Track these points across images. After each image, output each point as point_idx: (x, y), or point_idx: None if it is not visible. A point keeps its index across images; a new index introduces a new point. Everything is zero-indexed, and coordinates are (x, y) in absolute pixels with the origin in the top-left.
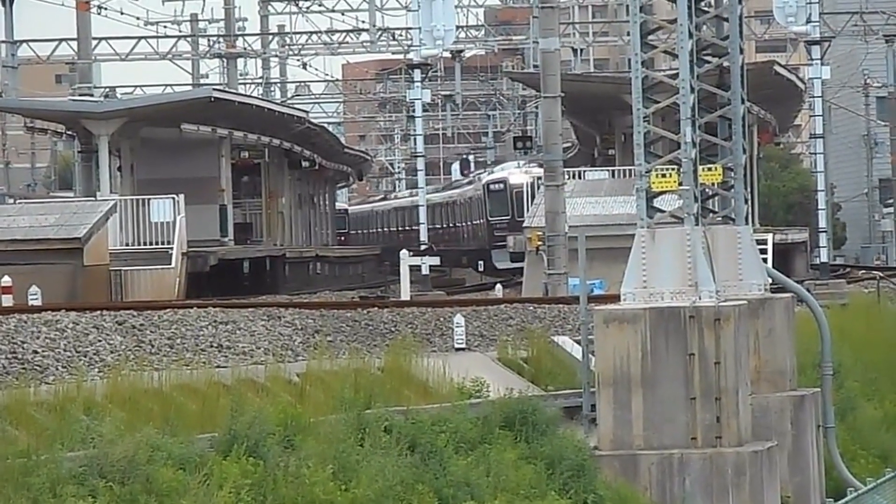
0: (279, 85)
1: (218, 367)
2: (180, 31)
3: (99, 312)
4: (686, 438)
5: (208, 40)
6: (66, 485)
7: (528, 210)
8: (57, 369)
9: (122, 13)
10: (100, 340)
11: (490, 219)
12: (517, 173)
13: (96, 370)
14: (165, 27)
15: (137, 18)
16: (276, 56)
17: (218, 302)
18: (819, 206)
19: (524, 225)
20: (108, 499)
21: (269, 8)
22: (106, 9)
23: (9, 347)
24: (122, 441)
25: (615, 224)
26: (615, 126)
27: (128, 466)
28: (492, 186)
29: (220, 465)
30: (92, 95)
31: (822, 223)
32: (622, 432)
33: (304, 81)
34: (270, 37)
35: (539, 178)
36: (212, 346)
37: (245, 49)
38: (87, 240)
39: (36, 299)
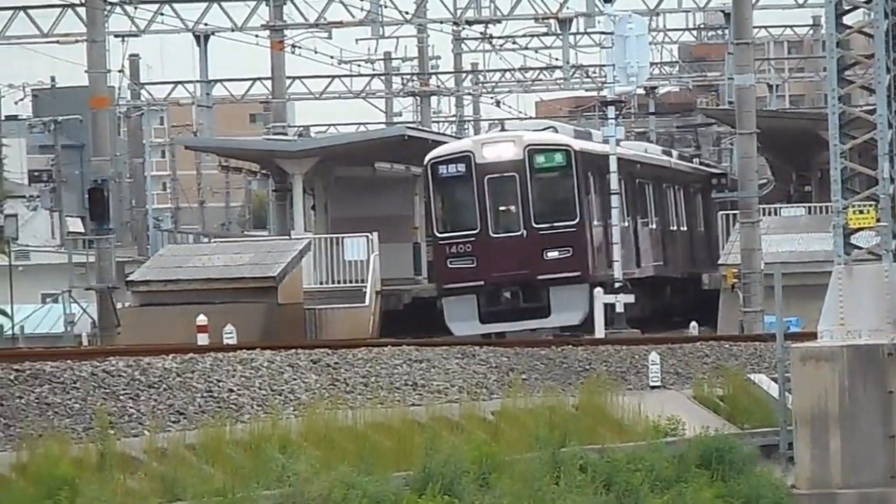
0: (472, 123)
1: (412, 405)
2: (374, 70)
3: (294, 351)
4: (885, 477)
5: (402, 78)
6: None
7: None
8: (252, 408)
9: (315, 52)
10: (295, 379)
11: None
12: None
13: (291, 408)
14: (359, 66)
15: (331, 57)
16: (470, 94)
17: (412, 340)
18: None
19: (719, 262)
20: None
21: (463, 46)
22: (300, 48)
23: (204, 386)
24: (317, 479)
25: (812, 261)
26: (811, 162)
27: None
28: None
29: (415, 503)
30: (286, 134)
31: None
32: (820, 471)
33: (498, 119)
34: (464, 75)
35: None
36: (406, 385)
37: (438, 87)
38: (281, 278)
39: (231, 338)
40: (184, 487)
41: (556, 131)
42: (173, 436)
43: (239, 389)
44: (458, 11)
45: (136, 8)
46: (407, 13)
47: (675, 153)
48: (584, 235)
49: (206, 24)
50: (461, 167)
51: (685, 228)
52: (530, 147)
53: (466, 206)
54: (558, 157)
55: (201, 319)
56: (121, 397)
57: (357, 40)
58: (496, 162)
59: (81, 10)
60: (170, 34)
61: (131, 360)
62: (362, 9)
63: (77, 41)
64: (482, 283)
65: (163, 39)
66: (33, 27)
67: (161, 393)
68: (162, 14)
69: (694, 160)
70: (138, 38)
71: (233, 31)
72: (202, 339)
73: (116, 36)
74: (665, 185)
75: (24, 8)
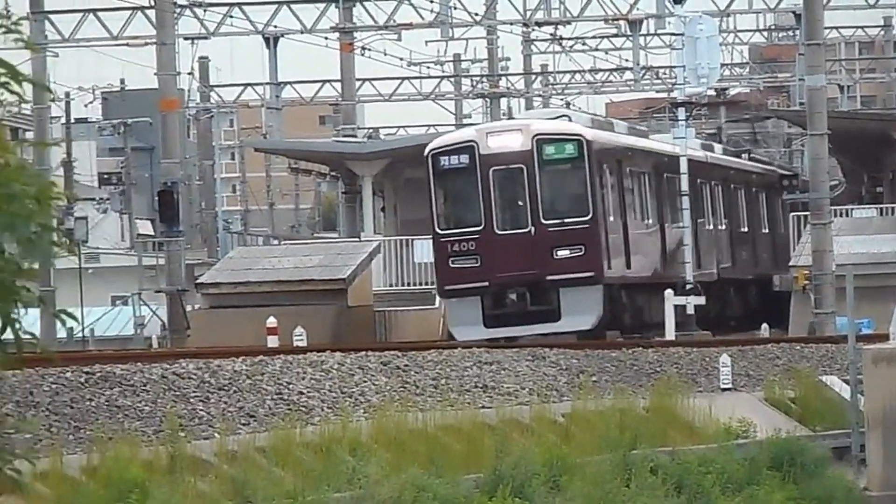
0: None
1: (482, 407)
2: (443, 72)
3: (364, 353)
4: None
5: (471, 80)
6: None
7: None
8: (322, 410)
9: (385, 54)
10: (365, 381)
11: None
12: None
13: (361, 410)
14: (429, 67)
15: (401, 59)
16: (540, 95)
17: (482, 342)
18: None
19: (790, 264)
20: None
21: (533, 47)
22: (369, 49)
23: (275, 388)
24: (387, 481)
25: (883, 262)
26: (883, 163)
27: None
28: None
29: None
30: (355, 136)
31: None
32: (892, 472)
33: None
34: (533, 76)
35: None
36: (476, 387)
37: (508, 89)
38: (351, 280)
39: (301, 340)
40: (254, 490)
41: (570, 119)
42: (243, 438)
43: (309, 392)
44: (528, 13)
45: (205, 10)
46: (476, 15)
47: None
48: (597, 232)
49: (275, 27)
50: (464, 158)
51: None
52: (539, 136)
53: (469, 201)
54: (569, 148)
55: (271, 321)
56: (191, 400)
57: (426, 42)
58: (502, 153)
59: (151, 13)
60: (239, 36)
61: (201, 363)
62: (432, 11)
63: (147, 44)
64: (486, 283)
65: (232, 42)
66: (103, 30)
67: (231, 395)
68: (231, 16)
69: (742, 157)
70: (208, 40)
71: (302, 33)
72: (272, 342)
73: (186, 38)
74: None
75: (94, 10)
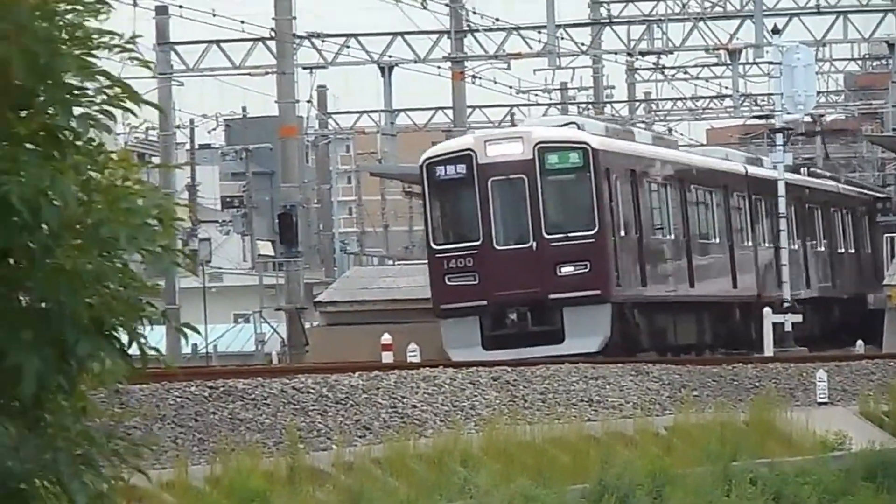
0: None
1: (588, 420)
2: (550, 99)
3: (474, 369)
4: None
5: (578, 107)
6: None
7: None
8: (435, 423)
9: (495, 82)
10: (475, 395)
11: None
12: None
13: (472, 423)
14: (537, 95)
15: (510, 87)
16: (643, 122)
17: (588, 358)
18: None
19: (885, 283)
20: None
21: (636, 76)
22: (480, 78)
23: (389, 402)
24: (497, 492)
25: None
26: None
27: None
28: None
29: None
30: None
31: None
32: None
33: None
34: (637, 103)
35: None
36: (582, 401)
37: (613, 115)
38: None
39: (415, 356)
40: (369, 500)
41: (579, 127)
42: (359, 450)
43: (422, 405)
44: (632, 43)
45: (323, 41)
46: (583, 45)
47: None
48: (604, 247)
49: (390, 56)
50: (461, 168)
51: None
52: (541, 145)
53: (467, 214)
54: (574, 157)
55: (386, 338)
56: (309, 413)
57: (535, 71)
58: (502, 162)
59: (272, 44)
60: (355, 66)
61: (319, 378)
62: (539, 41)
63: (267, 73)
64: (485, 302)
65: (349, 71)
66: (226, 60)
67: (348, 409)
68: (348, 47)
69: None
70: (325, 69)
71: (416, 62)
72: (387, 358)
73: (305, 68)
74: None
75: (218, 42)
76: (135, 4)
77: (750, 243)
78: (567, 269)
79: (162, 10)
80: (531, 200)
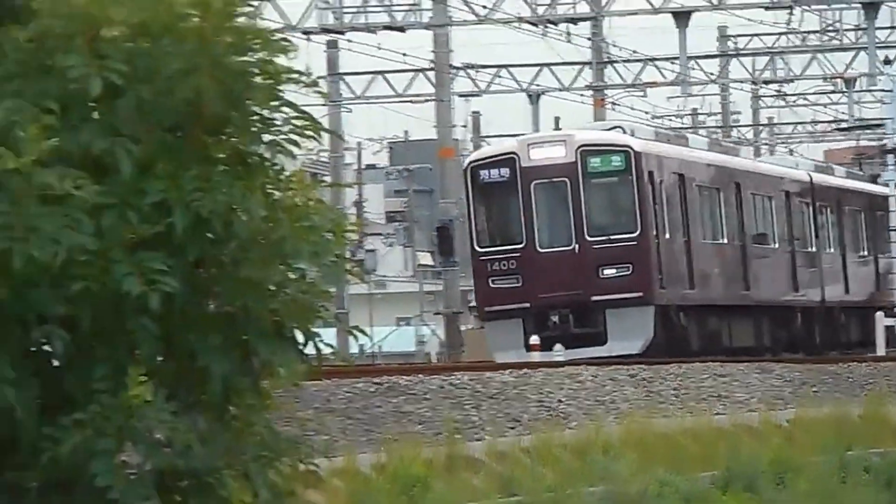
0: None
1: (717, 414)
2: (682, 123)
3: (614, 367)
4: None
5: (707, 131)
6: None
7: None
8: (578, 416)
9: (632, 108)
10: (615, 391)
11: None
12: None
13: (612, 417)
14: (670, 120)
15: (645, 113)
16: (766, 144)
17: (717, 357)
18: None
19: None
20: None
21: (760, 102)
22: (618, 105)
23: (537, 397)
24: (634, 478)
25: None
26: None
27: (640, 500)
28: None
29: (720, 499)
30: None
31: None
32: None
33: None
34: (760, 127)
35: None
36: (711, 396)
37: (739, 139)
38: None
39: (560, 356)
40: (519, 485)
41: (624, 131)
42: (510, 440)
43: (567, 400)
44: (756, 72)
45: (477, 72)
46: (712, 74)
47: None
48: (647, 250)
49: (537, 85)
50: (504, 171)
51: None
52: (583, 148)
53: (510, 217)
54: (616, 160)
55: (534, 339)
56: (465, 406)
57: (668, 98)
58: (544, 165)
59: (431, 74)
60: (506, 94)
61: (474, 375)
62: (672, 71)
63: (427, 100)
64: (528, 305)
65: (500, 98)
66: (390, 89)
67: (499, 403)
68: (500, 76)
69: None
70: (479, 97)
71: (560, 90)
72: (535, 357)
73: (461, 96)
74: None
75: (382, 72)
76: (308, 39)
77: (813, 249)
78: (609, 272)
79: (332, 44)
80: (573, 203)
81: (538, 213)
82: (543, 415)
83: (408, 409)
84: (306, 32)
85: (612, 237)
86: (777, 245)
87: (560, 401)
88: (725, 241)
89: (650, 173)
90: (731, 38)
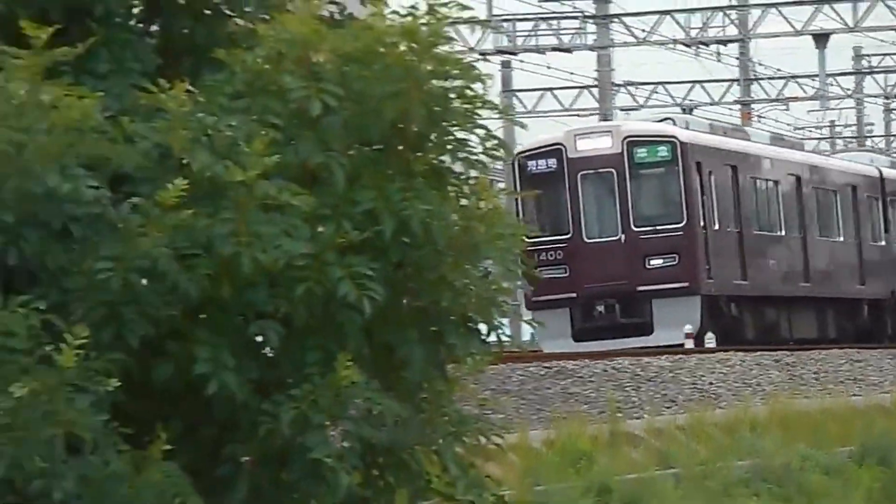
0: None
1: (853, 395)
2: (821, 134)
3: (760, 353)
4: None
5: (843, 142)
6: (736, 487)
7: None
8: (728, 397)
9: (776, 121)
10: (761, 374)
11: None
12: None
13: (758, 398)
14: (810, 131)
15: (788, 125)
16: None
17: (854, 344)
18: None
19: None
20: (769, 498)
21: (892, 115)
22: (763, 118)
23: (690, 380)
24: (778, 453)
25: None
26: None
27: (784, 473)
28: None
29: (856, 472)
30: None
31: None
32: None
33: None
34: (892, 138)
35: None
36: (848, 379)
37: (872, 148)
38: None
39: (711, 343)
40: (675, 459)
41: (675, 122)
42: (666, 419)
43: (717, 383)
44: (888, 88)
45: (636, 88)
46: (848, 89)
47: None
48: (693, 240)
49: (690, 100)
50: (552, 162)
51: None
52: (630, 139)
53: (557, 207)
54: (662, 150)
55: (688, 328)
56: (626, 388)
57: (808, 111)
58: (591, 156)
59: (595, 91)
60: (662, 108)
61: (633, 360)
62: (812, 87)
63: (591, 115)
64: (575, 295)
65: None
66: (557, 104)
67: (657, 385)
68: (656, 92)
69: None
70: (638, 111)
71: (711, 105)
72: (688, 344)
73: (622, 110)
74: None
75: (551, 89)
76: (485, 59)
77: (882, 243)
78: (656, 262)
79: (506, 64)
80: (620, 194)
81: (585, 204)
82: (696, 396)
83: (574, 390)
84: (483, 54)
85: (658, 227)
86: (842, 238)
87: (711, 383)
88: (783, 232)
89: (698, 164)
90: (866, 57)
